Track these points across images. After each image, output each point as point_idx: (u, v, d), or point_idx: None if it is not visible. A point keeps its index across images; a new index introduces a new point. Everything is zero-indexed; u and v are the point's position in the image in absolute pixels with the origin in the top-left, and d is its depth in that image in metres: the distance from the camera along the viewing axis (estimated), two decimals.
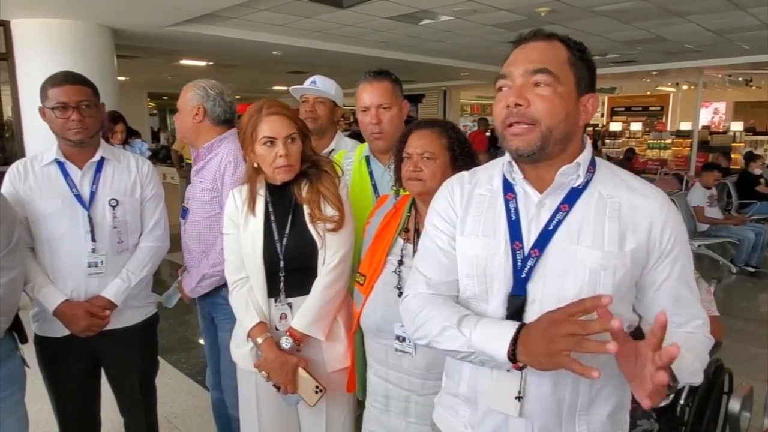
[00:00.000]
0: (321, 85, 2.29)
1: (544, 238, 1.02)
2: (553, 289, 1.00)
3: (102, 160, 1.85)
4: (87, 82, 1.79)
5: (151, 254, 1.93)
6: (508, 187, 1.08)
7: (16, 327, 1.65)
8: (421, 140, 1.49)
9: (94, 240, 1.80)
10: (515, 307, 1.02)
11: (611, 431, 1.09)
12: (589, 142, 1.09)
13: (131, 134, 7.39)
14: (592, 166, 1.06)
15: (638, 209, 1.01)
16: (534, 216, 1.04)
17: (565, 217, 1.02)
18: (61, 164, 1.81)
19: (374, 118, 1.86)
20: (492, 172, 1.14)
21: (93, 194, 1.82)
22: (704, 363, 1.05)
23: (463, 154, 1.48)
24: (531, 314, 1.00)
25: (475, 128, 11.51)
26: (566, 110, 0.99)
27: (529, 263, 1.02)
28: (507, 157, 1.07)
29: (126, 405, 2.03)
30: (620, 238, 1.00)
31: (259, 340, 1.59)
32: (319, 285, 1.62)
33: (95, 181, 1.83)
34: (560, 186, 1.03)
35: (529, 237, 1.03)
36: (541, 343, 0.88)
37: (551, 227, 1.02)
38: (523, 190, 1.06)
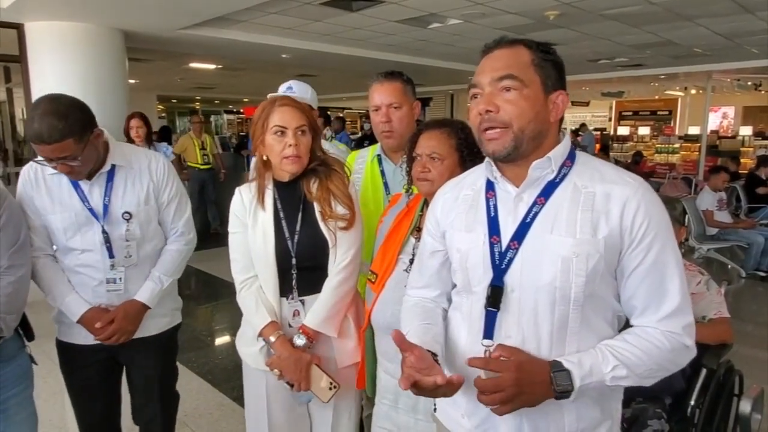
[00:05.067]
0: (297, 90, 2.34)
1: (522, 231, 1.07)
2: (529, 278, 1.05)
3: (113, 168, 1.74)
4: (65, 134, 1.51)
5: (180, 257, 1.89)
6: (489, 186, 1.16)
7: (23, 325, 1.64)
8: (430, 141, 1.51)
9: (112, 256, 1.73)
10: (494, 298, 1.08)
11: (601, 419, 1.11)
12: (567, 137, 1.12)
13: (162, 137, 7.43)
14: (570, 160, 1.11)
15: (611, 197, 1.04)
16: (512, 210, 1.10)
17: (541, 209, 1.07)
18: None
19: (384, 117, 1.90)
20: (477, 174, 1.22)
21: (106, 207, 1.73)
22: (661, 363, 1.05)
23: (472, 154, 1.49)
24: (509, 303, 1.07)
25: None
26: (534, 110, 1.05)
27: (509, 255, 1.07)
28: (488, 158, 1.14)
29: (142, 410, 1.98)
30: (593, 225, 1.03)
31: (272, 339, 1.59)
32: (330, 283, 1.63)
33: (107, 193, 1.72)
34: (536, 180, 1.09)
35: (507, 230, 1.09)
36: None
37: (528, 220, 1.07)
38: (503, 186, 1.12)
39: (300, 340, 1.60)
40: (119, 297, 1.78)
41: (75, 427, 1.97)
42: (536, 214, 1.07)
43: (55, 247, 1.76)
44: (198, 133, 7.19)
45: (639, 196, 1.04)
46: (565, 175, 1.09)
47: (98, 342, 1.77)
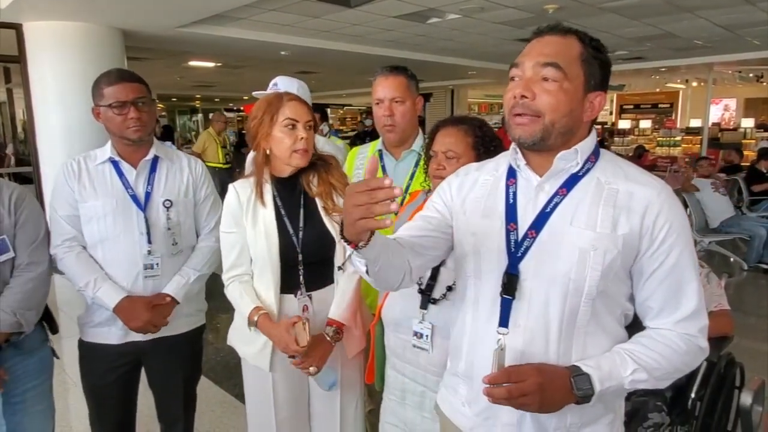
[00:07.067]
0: (282, 86, 2.34)
1: (541, 220, 1.06)
2: (544, 267, 1.04)
3: (156, 158, 1.82)
4: (141, 80, 1.77)
5: (210, 253, 1.89)
6: (511, 174, 1.14)
7: (47, 318, 1.66)
8: (446, 138, 1.50)
9: (150, 242, 1.77)
10: (509, 285, 1.07)
11: (603, 413, 1.11)
12: (593, 133, 1.11)
13: (165, 136, 7.39)
14: (595, 156, 1.10)
15: (634, 196, 1.03)
16: (532, 199, 1.09)
17: (562, 200, 1.06)
18: (115, 163, 1.78)
19: (387, 111, 1.90)
20: (499, 161, 1.21)
21: (148, 195, 1.79)
22: (676, 365, 1.05)
23: (488, 153, 1.47)
24: (523, 292, 1.06)
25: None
26: (570, 106, 1.03)
27: (525, 243, 1.06)
28: (514, 144, 1.12)
29: (167, 411, 1.98)
30: (613, 221, 1.02)
31: (256, 318, 1.58)
32: (345, 277, 1.65)
33: (150, 181, 1.80)
34: (560, 171, 1.07)
35: (526, 219, 1.08)
36: (345, 216, 0.91)
37: (548, 209, 1.06)
38: (525, 175, 1.11)
39: (332, 332, 1.62)
40: (155, 284, 1.79)
41: (79, 426, 1.97)
42: (557, 204, 1.06)
43: (90, 239, 1.77)
44: (219, 131, 7.06)
45: (662, 198, 1.03)
46: (588, 170, 1.08)
47: (127, 341, 1.79)
